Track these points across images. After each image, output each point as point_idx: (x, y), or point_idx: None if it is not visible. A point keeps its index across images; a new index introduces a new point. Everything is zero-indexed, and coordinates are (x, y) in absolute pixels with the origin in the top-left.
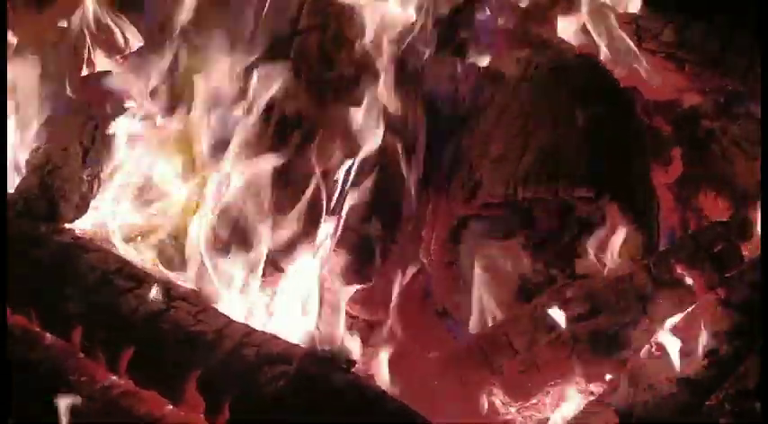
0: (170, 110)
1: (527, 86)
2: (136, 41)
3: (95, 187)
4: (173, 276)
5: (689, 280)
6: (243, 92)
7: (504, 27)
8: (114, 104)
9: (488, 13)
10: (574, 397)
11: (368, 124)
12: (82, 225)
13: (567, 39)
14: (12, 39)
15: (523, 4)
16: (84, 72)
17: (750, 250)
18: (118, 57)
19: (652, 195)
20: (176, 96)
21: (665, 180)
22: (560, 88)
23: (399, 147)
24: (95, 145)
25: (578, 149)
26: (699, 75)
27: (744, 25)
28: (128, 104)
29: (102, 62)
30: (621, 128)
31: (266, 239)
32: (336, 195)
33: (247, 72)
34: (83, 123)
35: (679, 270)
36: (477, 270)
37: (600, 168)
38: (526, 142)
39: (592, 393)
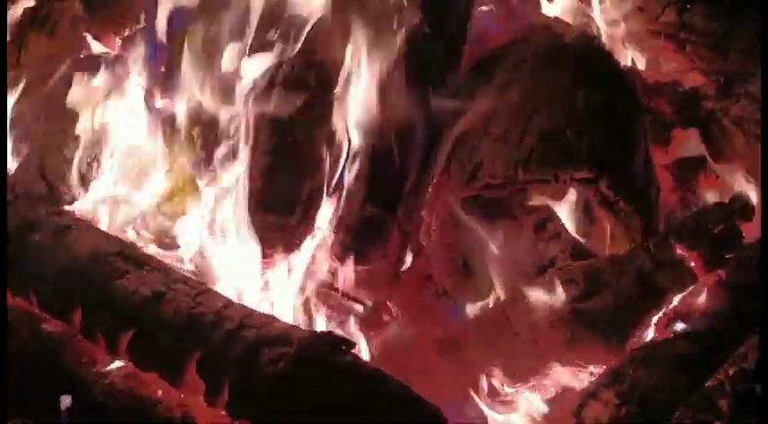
0: (169, 93)
1: (527, 67)
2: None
3: (95, 169)
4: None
5: (689, 261)
6: (241, 76)
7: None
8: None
9: None
10: (574, 378)
11: (368, 105)
12: (81, 207)
13: (567, 19)
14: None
15: None
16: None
17: (750, 231)
18: (117, 38)
19: (652, 176)
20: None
21: (666, 161)
22: (560, 69)
23: (400, 128)
24: (94, 127)
25: (578, 131)
26: (700, 56)
27: (744, 5)
28: (126, 86)
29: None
30: (621, 110)
31: (267, 221)
32: (336, 176)
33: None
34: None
35: (679, 251)
36: (478, 252)
37: (600, 150)
38: (527, 123)
39: (592, 374)
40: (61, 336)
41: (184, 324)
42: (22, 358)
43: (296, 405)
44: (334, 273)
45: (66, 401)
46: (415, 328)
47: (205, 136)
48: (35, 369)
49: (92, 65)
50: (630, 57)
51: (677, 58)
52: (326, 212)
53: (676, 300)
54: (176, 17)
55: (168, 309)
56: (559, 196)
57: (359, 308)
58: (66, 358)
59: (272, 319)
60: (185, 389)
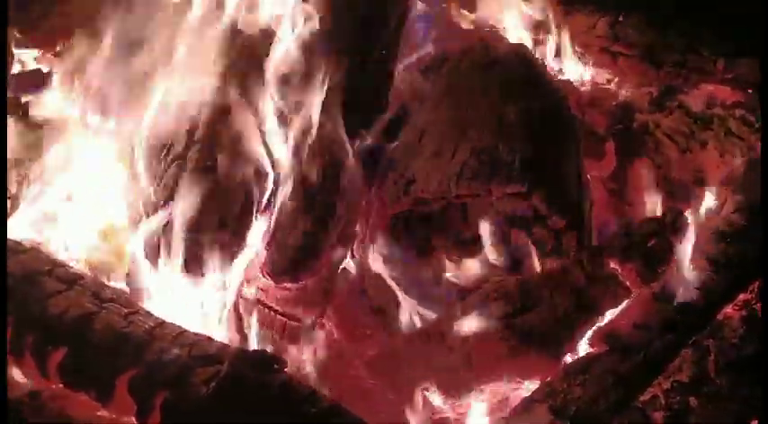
0: (105, 110)
1: (460, 82)
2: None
3: (24, 188)
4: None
5: (623, 275)
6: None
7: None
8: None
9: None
10: (508, 394)
11: (300, 121)
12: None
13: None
14: None
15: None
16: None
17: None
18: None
19: (585, 190)
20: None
21: (599, 173)
22: (493, 83)
23: (333, 144)
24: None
25: (511, 145)
26: (632, 69)
27: (677, 19)
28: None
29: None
30: (554, 123)
31: (198, 239)
32: (268, 193)
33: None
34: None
35: (612, 265)
36: (412, 268)
37: (532, 164)
38: (459, 138)
39: (527, 389)
40: None
41: (115, 343)
42: None
43: None
44: (266, 290)
45: None
46: (350, 344)
47: (138, 154)
48: None
49: (24, 82)
50: (563, 69)
51: (610, 71)
52: (259, 228)
53: (610, 314)
54: None
55: (99, 328)
56: (493, 210)
57: (292, 325)
58: None
59: (205, 337)
60: (116, 409)
